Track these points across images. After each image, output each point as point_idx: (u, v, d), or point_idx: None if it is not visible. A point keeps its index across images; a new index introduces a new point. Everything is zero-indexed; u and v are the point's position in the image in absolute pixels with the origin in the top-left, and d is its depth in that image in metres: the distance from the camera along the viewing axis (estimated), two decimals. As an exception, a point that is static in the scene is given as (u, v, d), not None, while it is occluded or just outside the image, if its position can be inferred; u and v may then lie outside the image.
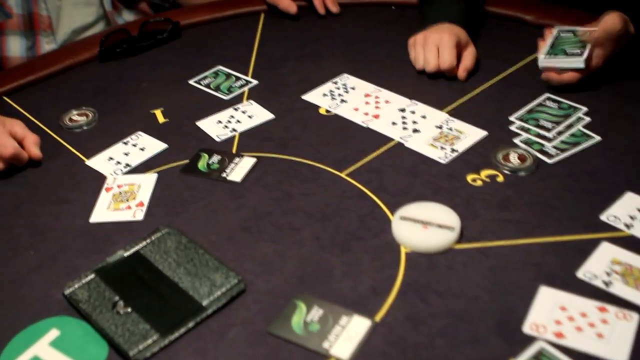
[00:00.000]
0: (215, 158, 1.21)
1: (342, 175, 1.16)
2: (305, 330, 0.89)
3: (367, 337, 0.88)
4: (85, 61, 1.56)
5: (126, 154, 1.25)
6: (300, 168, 1.18)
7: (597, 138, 1.19)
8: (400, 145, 1.21)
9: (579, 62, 1.26)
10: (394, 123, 1.27)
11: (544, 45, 1.32)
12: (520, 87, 1.34)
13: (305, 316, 0.91)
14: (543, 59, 1.30)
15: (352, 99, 1.35)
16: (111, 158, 1.24)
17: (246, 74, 1.46)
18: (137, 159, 1.24)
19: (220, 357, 0.88)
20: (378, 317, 0.91)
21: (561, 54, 1.28)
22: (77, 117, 1.36)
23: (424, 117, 1.27)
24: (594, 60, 1.27)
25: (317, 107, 1.34)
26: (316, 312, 0.91)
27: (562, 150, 1.17)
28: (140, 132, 1.30)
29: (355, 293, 0.95)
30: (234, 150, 1.23)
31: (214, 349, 0.89)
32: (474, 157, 1.17)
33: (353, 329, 0.89)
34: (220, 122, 1.31)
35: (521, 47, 1.45)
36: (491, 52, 1.45)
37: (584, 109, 1.26)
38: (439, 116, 1.27)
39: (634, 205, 1.05)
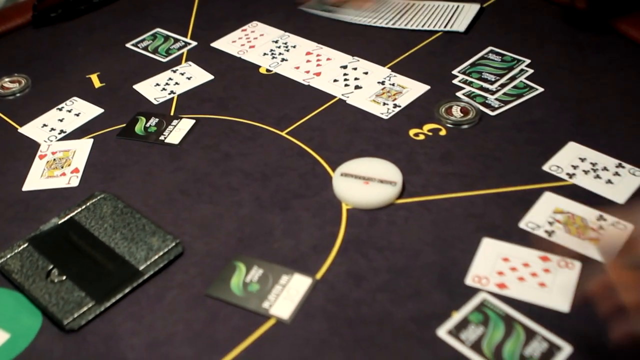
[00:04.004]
0: (153, 121, 1.18)
1: (283, 134, 1.13)
2: (245, 291, 0.87)
3: (308, 295, 0.86)
4: (17, 27, 1.50)
5: (61, 120, 1.21)
6: (239, 128, 1.15)
7: (540, 89, 1.18)
8: (342, 102, 1.19)
9: None
10: (335, 80, 1.24)
11: None
12: (463, 40, 1.32)
13: (244, 277, 0.89)
14: None
15: (292, 57, 1.31)
16: (45, 125, 1.20)
17: (185, 36, 1.42)
18: (72, 124, 1.20)
19: (157, 321, 0.85)
20: (319, 274, 0.89)
21: None
22: (9, 85, 1.31)
23: (366, 73, 1.25)
24: None
25: (258, 66, 1.30)
26: (256, 272, 0.89)
27: (505, 102, 1.16)
28: (75, 98, 1.26)
29: (296, 252, 0.93)
30: (172, 113, 1.20)
31: (151, 313, 0.86)
32: (417, 112, 1.15)
33: (293, 288, 0.87)
34: (158, 84, 1.28)
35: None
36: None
37: (527, 60, 1.24)
38: (381, 72, 1.25)
39: (576, 154, 1.04)
